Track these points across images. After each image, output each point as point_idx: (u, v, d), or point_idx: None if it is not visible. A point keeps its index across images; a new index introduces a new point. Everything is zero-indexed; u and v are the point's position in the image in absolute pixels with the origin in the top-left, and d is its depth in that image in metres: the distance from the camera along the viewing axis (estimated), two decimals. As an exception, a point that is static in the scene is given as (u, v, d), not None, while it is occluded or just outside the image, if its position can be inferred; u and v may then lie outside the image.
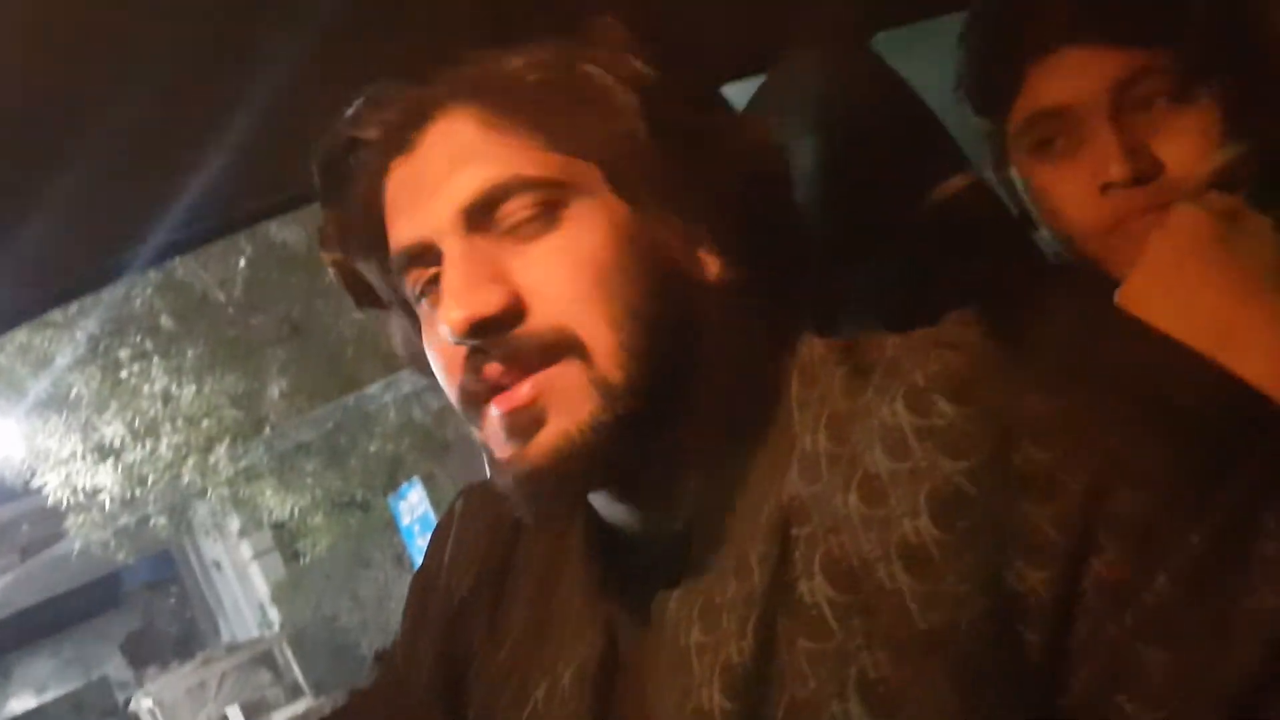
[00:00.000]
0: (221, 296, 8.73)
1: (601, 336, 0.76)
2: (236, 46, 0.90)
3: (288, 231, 8.25)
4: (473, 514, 1.00)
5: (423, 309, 0.83)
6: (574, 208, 0.78)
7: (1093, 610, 0.68)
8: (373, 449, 9.64)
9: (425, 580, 1.01)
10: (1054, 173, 1.09)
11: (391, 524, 9.93)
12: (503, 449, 0.79)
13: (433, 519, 8.97)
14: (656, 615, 0.81)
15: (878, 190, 1.11)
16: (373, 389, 9.10)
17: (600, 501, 0.85)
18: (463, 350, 0.78)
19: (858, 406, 0.76)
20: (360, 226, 0.85)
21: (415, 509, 9.34)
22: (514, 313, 0.77)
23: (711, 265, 0.82)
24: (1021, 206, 1.18)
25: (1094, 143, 1.05)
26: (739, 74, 0.86)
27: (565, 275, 0.77)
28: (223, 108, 0.95)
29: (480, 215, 0.78)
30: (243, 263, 8.62)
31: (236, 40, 0.90)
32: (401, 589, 1.03)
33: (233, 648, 11.54)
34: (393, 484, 9.87)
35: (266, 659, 10.82)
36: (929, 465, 0.71)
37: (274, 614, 11.46)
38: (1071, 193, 1.08)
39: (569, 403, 0.76)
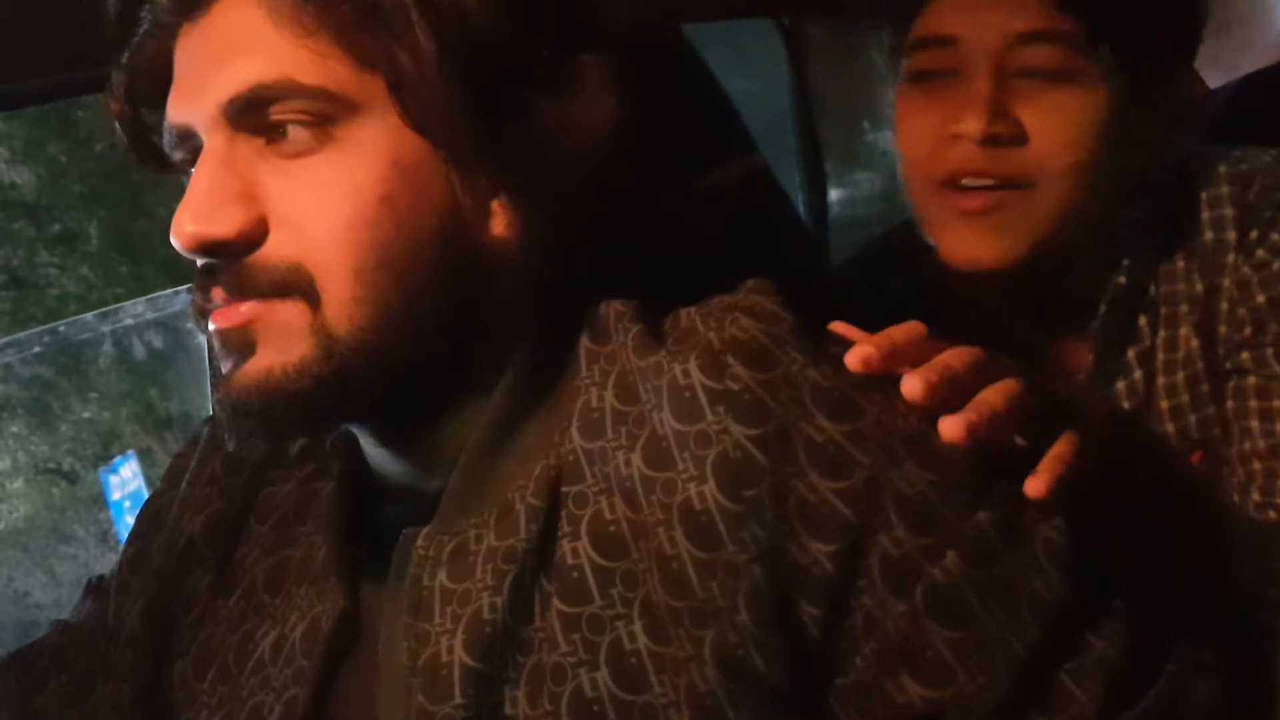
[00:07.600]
0: (-67, 237, 8.16)
1: (337, 284, 0.70)
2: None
3: (17, 173, 7.79)
4: (214, 448, 0.92)
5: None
6: (350, 127, 0.71)
7: (879, 586, 0.66)
8: (86, 415, 9.14)
9: (155, 509, 0.92)
10: (917, 104, 1.07)
11: (100, 499, 9.41)
12: (224, 367, 0.72)
13: (145, 496, 8.58)
14: (400, 555, 0.75)
15: (662, 163, 1.10)
16: (88, 317, 8.70)
17: (366, 446, 0.80)
18: (198, 259, 0.72)
19: (648, 365, 0.73)
20: (149, 80, 0.77)
21: (127, 485, 8.82)
22: (249, 239, 0.70)
23: (502, 217, 0.76)
24: None
25: (965, 87, 1.02)
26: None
27: (317, 207, 0.70)
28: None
29: (243, 115, 0.71)
30: (-38, 203, 8.09)
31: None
32: (104, 568, 0.96)
33: (-93, 619, 10.76)
34: (105, 456, 9.39)
35: (-56, 633, 10.14)
36: (719, 430, 0.68)
37: (-42, 586, 10.75)
38: (922, 131, 1.05)
39: (281, 341, 0.71)
